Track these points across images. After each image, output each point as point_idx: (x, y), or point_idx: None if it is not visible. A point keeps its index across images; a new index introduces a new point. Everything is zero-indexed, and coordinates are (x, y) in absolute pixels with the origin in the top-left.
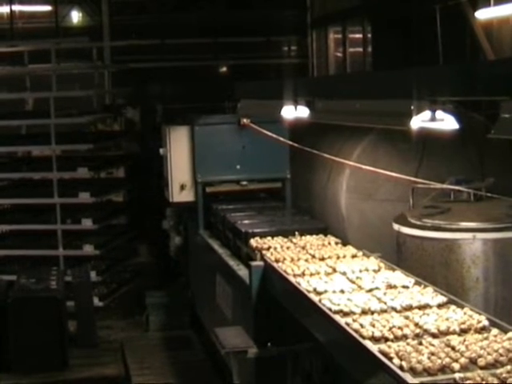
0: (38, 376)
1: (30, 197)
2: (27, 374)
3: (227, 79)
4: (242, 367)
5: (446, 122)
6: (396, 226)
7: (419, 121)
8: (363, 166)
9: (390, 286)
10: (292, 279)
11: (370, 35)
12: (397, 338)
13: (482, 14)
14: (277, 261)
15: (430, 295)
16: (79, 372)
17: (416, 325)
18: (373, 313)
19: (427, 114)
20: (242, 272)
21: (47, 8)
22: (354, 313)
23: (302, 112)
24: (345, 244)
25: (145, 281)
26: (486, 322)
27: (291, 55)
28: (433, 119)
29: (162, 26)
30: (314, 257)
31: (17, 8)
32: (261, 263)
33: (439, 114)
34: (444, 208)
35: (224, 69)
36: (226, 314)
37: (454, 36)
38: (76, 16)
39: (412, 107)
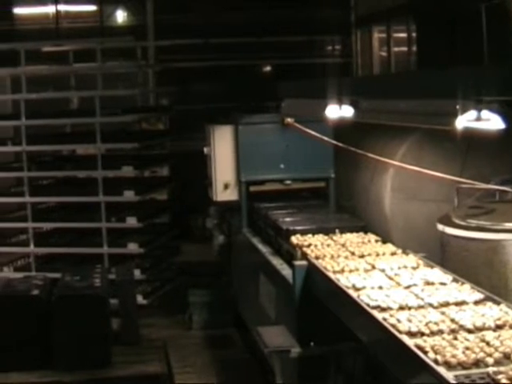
0: (81, 373)
1: (75, 195)
2: (70, 371)
3: (271, 78)
4: (285, 366)
5: (492, 122)
6: (440, 227)
7: (465, 120)
8: (407, 166)
9: (428, 283)
10: (332, 276)
11: (414, 34)
12: (433, 333)
13: None
14: (317, 258)
15: (467, 292)
16: (122, 369)
17: (452, 320)
18: (410, 308)
19: (473, 113)
20: (286, 271)
21: (92, 8)
22: (391, 308)
23: (347, 111)
24: (384, 242)
25: (188, 279)
26: None
27: (335, 54)
28: (478, 119)
29: (206, 25)
30: (353, 254)
31: (62, 8)
32: (304, 262)
33: (485, 113)
34: (489, 208)
35: (268, 68)
36: (269, 312)
37: (499, 35)
38: (121, 15)
39: (457, 107)
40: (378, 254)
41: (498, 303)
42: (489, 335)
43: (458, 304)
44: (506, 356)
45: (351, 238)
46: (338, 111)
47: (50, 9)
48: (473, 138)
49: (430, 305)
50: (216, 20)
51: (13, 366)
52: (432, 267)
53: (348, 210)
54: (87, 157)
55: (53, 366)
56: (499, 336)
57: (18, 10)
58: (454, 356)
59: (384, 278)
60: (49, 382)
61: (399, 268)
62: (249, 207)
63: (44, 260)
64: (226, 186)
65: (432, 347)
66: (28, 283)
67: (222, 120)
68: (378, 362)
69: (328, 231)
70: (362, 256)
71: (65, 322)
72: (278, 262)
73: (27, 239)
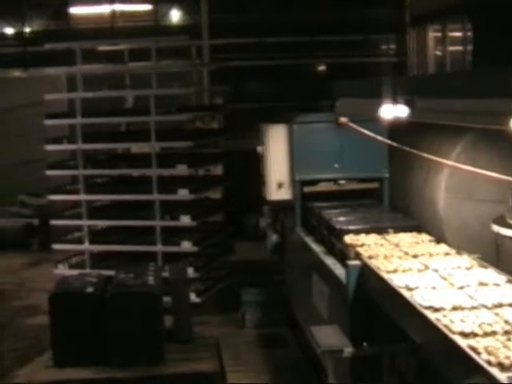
0: (134, 370)
1: (130, 193)
2: (123, 367)
3: (325, 78)
4: (338, 366)
5: None
6: (495, 228)
7: None
8: (462, 166)
9: (482, 284)
10: (385, 276)
11: (470, 33)
12: (486, 334)
13: None
14: (370, 257)
15: None
16: (174, 367)
17: (506, 322)
18: (463, 309)
19: None
20: (339, 271)
21: (147, 7)
22: (444, 309)
23: (401, 111)
24: (438, 242)
25: (241, 278)
26: None
27: (389, 53)
28: None
29: (260, 24)
30: (407, 254)
31: (118, 7)
32: (358, 262)
33: None
34: None
35: (322, 67)
36: (322, 312)
37: None
38: (175, 15)
39: None
40: (431, 254)
41: None
42: None
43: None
44: None
45: (405, 237)
46: (392, 111)
47: (105, 8)
48: None
49: (484, 306)
50: (270, 19)
51: (67, 361)
52: (486, 268)
53: (402, 209)
54: (142, 155)
55: (106, 363)
56: None
57: (74, 10)
58: (507, 357)
59: (437, 279)
60: (102, 378)
61: (453, 268)
62: (302, 206)
63: (98, 257)
64: (280, 186)
65: (485, 348)
66: (83, 280)
67: (277, 119)
68: (431, 363)
69: (381, 231)
70: (415, 256)
71: (118, 319)
72: (331, 262)
73: (82, 237)
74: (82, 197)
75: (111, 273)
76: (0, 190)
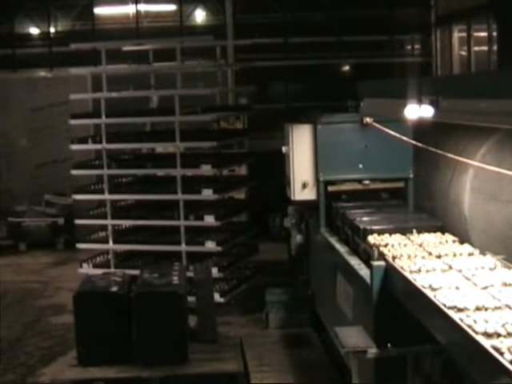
0: (159, 369)
1: (154, 193)
2: (148, 366)
3: (350, 78)
4: (362, 367)
5: None
6: None
7: None
8: (488, 167)
9: (505, 284)
10: (408, 276)
11: (495, 33)
12: (510, 334)
13: None
14: (394, 258)
15: None
16: (199, 367)
17: None
18: (487, 309)
19: None
20: (363, 271)
21: (172, 7)
22: (467, 309)
23: (426, 111)
24: (462, 242)
25: (265, 278)
26: None
27: (415, 54)
28: None
29: (285, 24)
30: (430, 254)
31: (142, 8)
32: (382, 263)
33: None
34: None
35: (347, 67)
36: (346, 312)
37: None
38: (200, 15)
39: None
40: (455, 255)
41: None
42: None
43: None
44: None
45: (428, 238)
46: (417, 111)
47: (130, 9)
48: None
49: (507, 306)
50: (295, 19)
51: (92, 360)
52: (510, 268)
53: (427, 210)
54: (166, 155)
55: (131, 362)
56: None
57: (99, 10)
58: None
59: (461, 279)
60: (126, 377)
61: (476, 269)
62: (327, 206)
63: (123, 257)
64: (305, 186)
65: (509, 348)
66: (107, 280)
67: (301, 119)
68: (456, 364)
69: (405, 231)
70: (439, 256)
71: (143, 319)
72: (355, 262)
73: (106, 236)
74: (107, 196)
75: (136, 272)
76: (26, 190)
